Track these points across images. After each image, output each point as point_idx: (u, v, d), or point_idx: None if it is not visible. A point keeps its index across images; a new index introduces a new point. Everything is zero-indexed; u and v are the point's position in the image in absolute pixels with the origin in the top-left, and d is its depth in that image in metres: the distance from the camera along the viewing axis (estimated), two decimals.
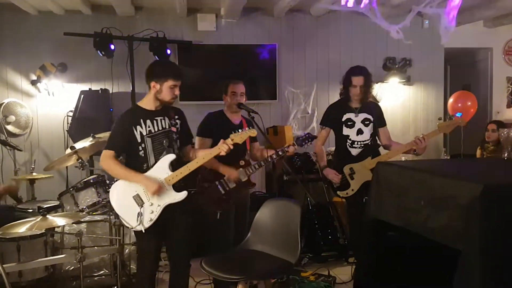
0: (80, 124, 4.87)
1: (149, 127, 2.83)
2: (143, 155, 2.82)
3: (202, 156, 2.90)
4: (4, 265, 3.02)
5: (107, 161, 2.77)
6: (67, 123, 5.09)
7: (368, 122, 3.63)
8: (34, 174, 4.39)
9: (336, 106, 3.75)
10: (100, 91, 5.08)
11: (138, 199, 2.75)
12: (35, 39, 5.13)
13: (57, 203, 3.91)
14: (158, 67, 2.92)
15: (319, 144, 3.75)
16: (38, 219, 2.86)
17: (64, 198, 3.75)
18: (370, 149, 3.63)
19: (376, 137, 3.74)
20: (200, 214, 3.42)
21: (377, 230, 2.55)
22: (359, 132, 3.60)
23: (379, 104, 4.07)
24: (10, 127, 5.00)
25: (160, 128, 2.87)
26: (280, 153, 3.24)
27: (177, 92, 2.86)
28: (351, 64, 3.76)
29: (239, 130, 3.01)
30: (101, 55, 4.94)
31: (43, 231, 3.32)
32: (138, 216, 2.70)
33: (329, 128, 3.73)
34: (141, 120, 2.82)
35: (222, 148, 2.85)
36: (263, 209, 2.92)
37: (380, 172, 2.50)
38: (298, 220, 2.60)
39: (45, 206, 3.88)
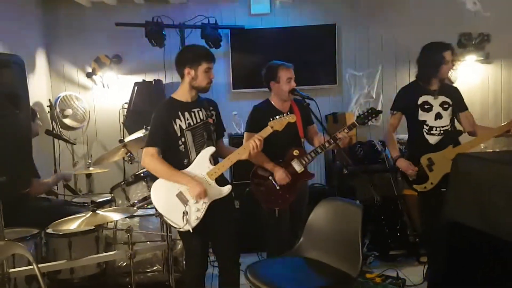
0: (135, 116, 4.82)
1: (187, 119, 2.67)
2: (183, 149, 2.65)
3: (243, 147, 2.69)
4: (54, 263, 3.01)
5: (151, 160, 2.61)
6: (123, 115, 5.07)
7: (447, 106, 3.25)
8: (91, 168, 4.39)
9: (410, 88, 3.40)
10: (153, 82, 5.00)
11: (182, 197, 2.58)
12: (89, 31, 5.15)
13: (109, 197, 3.87)
14: (189, 52, 2.74)
15: (390, 131, 3.45)
16: (88, 215, 2.79)
17: (115, 192, 3.70)
18: (451, 137, 3.24)
19: (457, 124, 3.35)
20: (257, 211, 3.24)
21: (455, 230, 2.21)
22: (438, 116, 3.22)
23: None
24: (67, 121, 5.05)
25: (199, 120, 2.70)
26: (331, 141, 2.99)
27: (212, 75, 2.70)
28: (421, 42, 3.34)
29: (279, 116, 2.75)
30: (152, 45, 4.83)
31: (93, 227, 3.25)
32: (183, 215, 2.51)
33: (401, 114, 3.40)
34: (179, 113, 2.66)
35: (252, 142, 2.59)
36: (318, 210, 2.58)
37: (460, 165, 2.18)
38: (359, 225, 2.24)
39: (98, 200, 3.87)
